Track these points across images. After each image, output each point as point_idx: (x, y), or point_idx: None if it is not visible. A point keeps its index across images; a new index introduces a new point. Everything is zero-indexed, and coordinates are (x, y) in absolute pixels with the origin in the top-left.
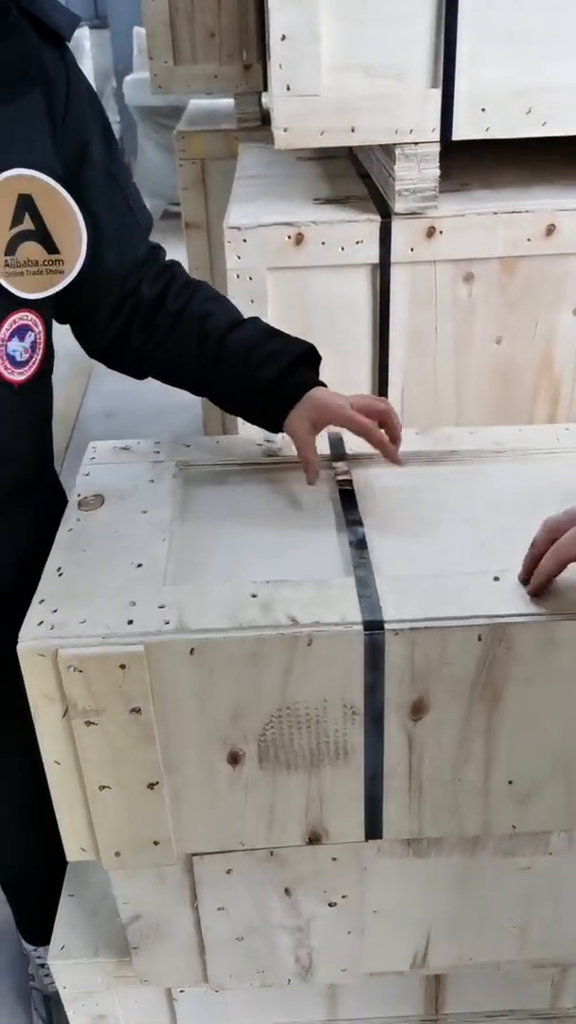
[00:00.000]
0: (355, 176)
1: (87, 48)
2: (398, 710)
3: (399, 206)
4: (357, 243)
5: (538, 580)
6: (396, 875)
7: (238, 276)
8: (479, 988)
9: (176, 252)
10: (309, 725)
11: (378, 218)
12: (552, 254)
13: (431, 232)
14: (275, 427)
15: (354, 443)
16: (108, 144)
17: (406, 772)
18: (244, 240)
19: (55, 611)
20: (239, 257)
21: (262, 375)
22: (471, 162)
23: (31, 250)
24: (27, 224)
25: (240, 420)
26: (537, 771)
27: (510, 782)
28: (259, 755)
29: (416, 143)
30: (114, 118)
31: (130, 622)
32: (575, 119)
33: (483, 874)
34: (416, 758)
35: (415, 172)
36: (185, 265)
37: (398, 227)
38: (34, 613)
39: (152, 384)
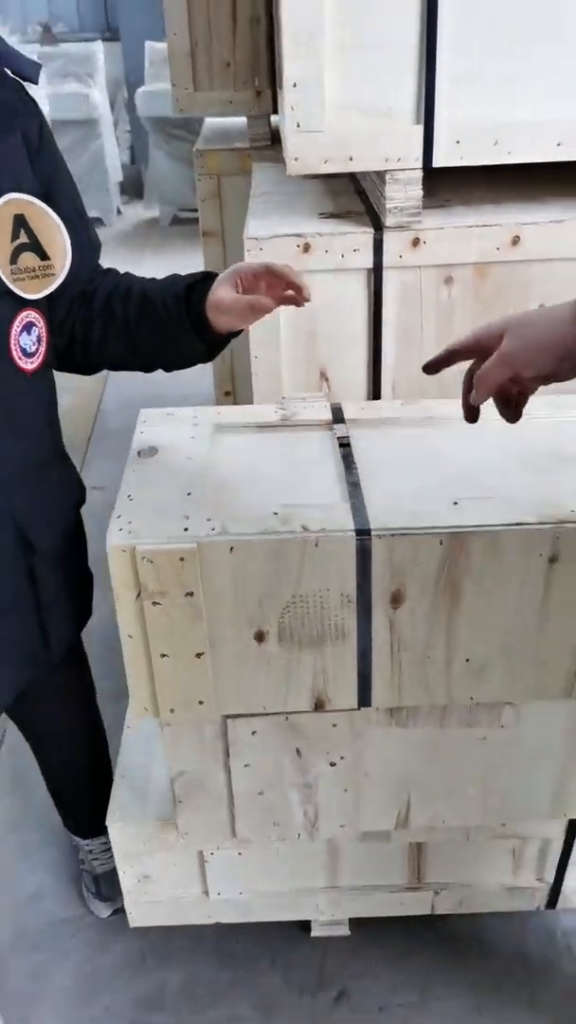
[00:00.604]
0: (353, 193)
1: (100, 61)
2: (382, 599)
3: (389, 221)
4: (355, 251)
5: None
6: (382, 742)
7: None
8: (453, 860)
9: (193, 256)
10: (315, 610)
11: (372, 231)
12: (518, 260)
13: (416, 242)
14: (206, 327)
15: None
16: (68, 173)
17: (388, 650)
18: (261, 248)
19: (130, 522)
20: None
21: (176, 292)
22: (452, 182)
23: (28, 259)
24: (23, 238)
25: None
26: (487, 651)
27: (467, 660)
28: (279, 634)
29: (403, 169)
30: (124, 127)
31: (186, 529)
32: (533, 149)
33: (450, 743)
34: (395, 639)
35: (402, 193)
36: (201, 267)
37: (389, 238)
38: (114, 525)
39: (164, 382)
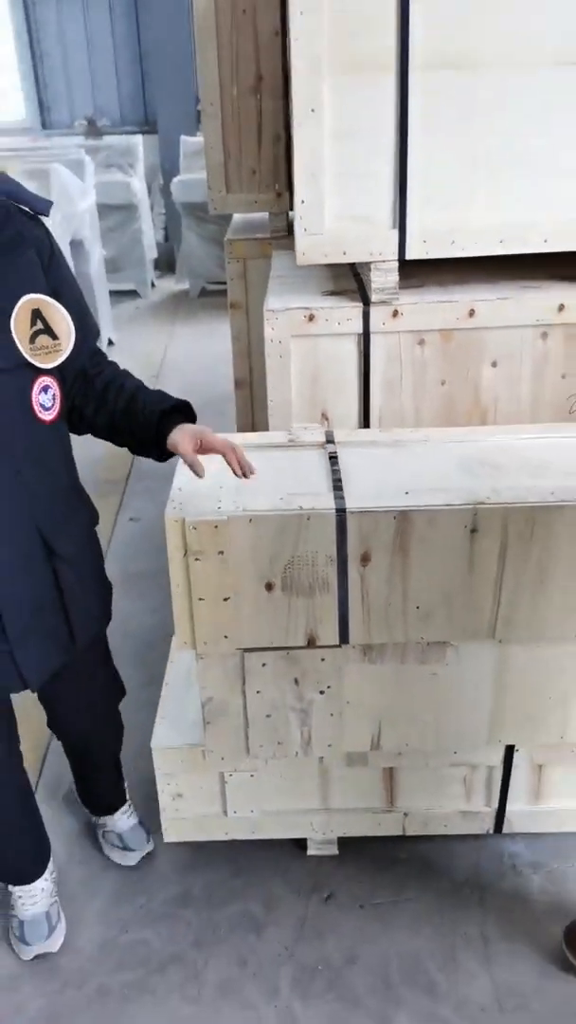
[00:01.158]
0: (349, 275)
1: (140, 152)
2: (355, 560)
3: (374, 298)
4: (348, 320)
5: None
6: (358, 675)
7: (271, 341)
8: (418, 787)
9: (217, 323)
10: (308, 567)
11: (362, 305)
12: (473, 328)
13: (396, 313)
14: (163, 449)
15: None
16: (72, 278)
17: (360, 598)
18: (277, 318)
19: (181, 504)
20: (273, 329)
21: (153, 410)
22: (424, 269)
23: (43, 340)
24: (39, 325)
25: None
26: (431, 598)
27: (417, 607)
28: (282, 585)
29: (383, 261)
30: (160, 210)
31: (219, 507)
32: (480, 246)
33: (409, 677)
34: (365, 589)
35: (383, 278)
36: (227, 334)
37: (375, 311)
38: (170, 506)
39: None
